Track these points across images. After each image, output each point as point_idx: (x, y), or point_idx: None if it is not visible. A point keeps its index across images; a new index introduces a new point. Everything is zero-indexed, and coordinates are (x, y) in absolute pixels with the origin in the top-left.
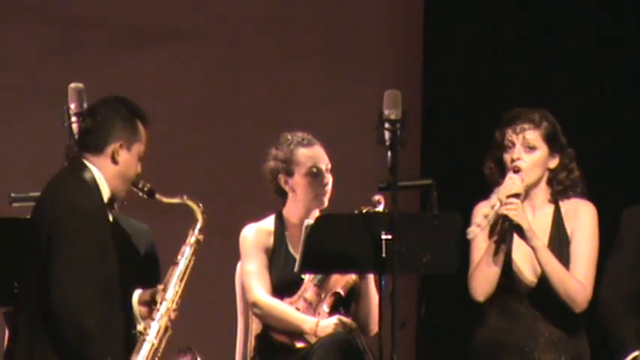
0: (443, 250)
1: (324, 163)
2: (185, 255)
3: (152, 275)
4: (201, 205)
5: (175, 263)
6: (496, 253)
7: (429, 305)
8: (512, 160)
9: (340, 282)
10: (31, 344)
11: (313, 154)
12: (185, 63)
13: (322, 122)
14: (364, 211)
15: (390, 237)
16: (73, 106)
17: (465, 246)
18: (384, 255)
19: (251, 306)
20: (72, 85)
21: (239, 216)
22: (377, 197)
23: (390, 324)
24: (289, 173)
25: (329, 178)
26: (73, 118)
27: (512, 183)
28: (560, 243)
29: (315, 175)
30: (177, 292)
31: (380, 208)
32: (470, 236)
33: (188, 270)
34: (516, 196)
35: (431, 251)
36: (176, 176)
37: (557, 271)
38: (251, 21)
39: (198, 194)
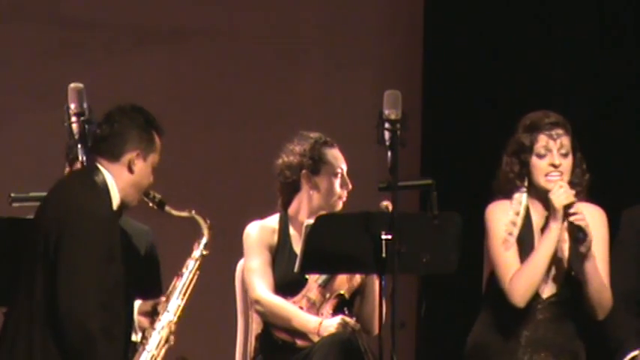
0: (443, 250)
1: (346, 167)
2: (189, 268)
3: (152, 276)
4: (208, 220)
5: (179, 275)
6: (547, 259)
7: (429, 305)
8: (555, 166)
9: (344, 284)
10: (31, 345)
11: (339, 156)
12: (185, 63)
13: (322, 122)
14: None
15: (390, 237)
16: (73, 106)
17: (465, 247)
18: (384, 255)
19: (253, 303)
20: (72, 85)
21: (240, 215)
22: (385, 203)
23: (390, 324)
24: (315, 171)
25: (349, 183)
26: (73, 118)
27: (565, 192)
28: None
29: (341, 177)
30: (179, 305)
31: None
32: (507, 246)
33: (192, 284)
34: (572, 204)
35: (431, 251)
36: (176, 176)
37: (598, 282)
38: (251, 21)
39: (198, 194)
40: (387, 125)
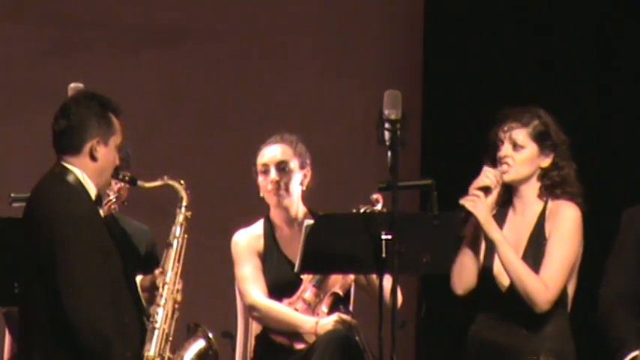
0: (443, 250)
1: (274, 160)
2: (176, 235)
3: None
4: (183, 182)
5: (169, 245)
6: (471, 246)
7: (429, 305)
8: (500, 158)
9: (338, 282)
10: (48, 356)
11: (265, 153)
12: (185, 63)
13: (322, 122)
14: (362, 210)
15: (390, 237)
16: None
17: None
18: (384, 255)
19: (249, 309)
20: (72, 85)
21: (241, 216)
22: (375, 196)
23: (390, 324)
24: (256, 174)
25: (274, 174)
26: None
27: (484, 176)
28: (537, 242)
29: (262, 173)
30: (175, 273)
31: (378, 207)
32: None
33: (182, 249)
34: (486, 189)
35: (431, 251)
36: (175, 175)
37: (515, 268)
38: (251, 21)
39: (197, 193)
40: (387, 125)
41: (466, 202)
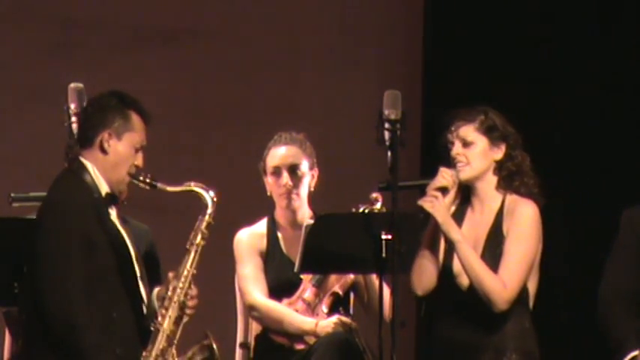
0: None
1: (286, 164)
2: (195, 241)
3: (153, 275)
4: (211, 191)
5: (186, 251)
6: (430, 246)
7: (428, 305)
8: (453, 158)
9: (338, 282)
10: (30, 345)
11: (277, 154)
12: (185, 63)
13: (322, 122)
14: (362, 209)
15: (390, 237)
16: (73, 106)
17: None
18: (384, 255)
19: (249, 309)
20: (72, 85)
21: (241, 216)
22: (374, 195)
23: (390, 324)
24: (264, 173)
25: (287, 178)
26: (73, 118)
27: (440, 177)
28: (495, 240)
29: (273, 175)
30: (186, 277)
31: (377, 206)
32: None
33: (198, 255)
34: (443, 189)
35: None
36: (175, 176)
37: (473, 267)
38: (251, 21)
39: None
40: (387, 125)
41: (424, 202)
